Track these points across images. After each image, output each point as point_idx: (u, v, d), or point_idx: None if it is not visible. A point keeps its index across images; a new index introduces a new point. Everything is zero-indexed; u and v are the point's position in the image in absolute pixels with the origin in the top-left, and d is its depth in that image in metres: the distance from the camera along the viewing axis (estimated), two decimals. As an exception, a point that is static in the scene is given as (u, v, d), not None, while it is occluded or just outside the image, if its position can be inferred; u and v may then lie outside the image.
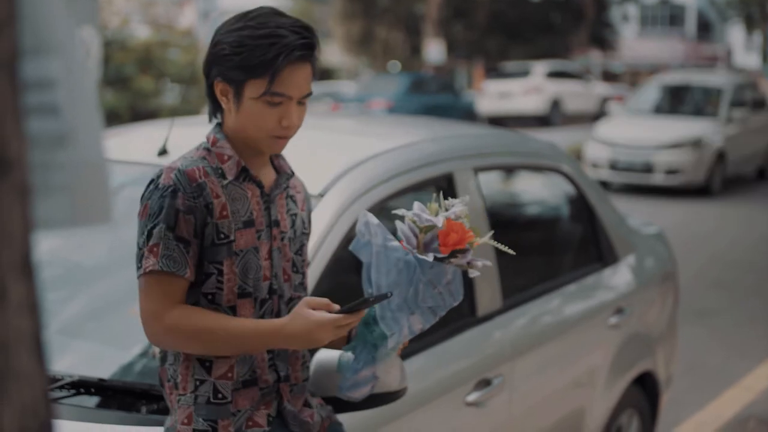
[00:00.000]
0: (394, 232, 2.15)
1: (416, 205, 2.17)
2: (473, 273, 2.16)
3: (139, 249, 2.08)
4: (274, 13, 2.13)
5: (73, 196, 0.93)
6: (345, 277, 2.73)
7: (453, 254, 2.12)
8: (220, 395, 2.13)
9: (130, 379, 2.61)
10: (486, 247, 3.06)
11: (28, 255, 0.87)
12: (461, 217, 2.15)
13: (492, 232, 2.35)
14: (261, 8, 2.15)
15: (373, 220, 2.12)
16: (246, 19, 2.12)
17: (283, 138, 2.14)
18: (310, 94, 2.15)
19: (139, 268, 2.07)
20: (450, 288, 2.15)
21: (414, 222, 2.13)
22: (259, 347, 2.11)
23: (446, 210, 2.17)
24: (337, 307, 2.06)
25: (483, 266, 2.16)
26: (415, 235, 2.12)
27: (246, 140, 2.15)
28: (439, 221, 2.11)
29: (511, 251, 2.28)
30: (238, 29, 2.10)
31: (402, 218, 2.15)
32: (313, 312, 2.03)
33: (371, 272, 2.10)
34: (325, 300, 2.08)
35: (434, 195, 2.21)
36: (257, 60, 2.06)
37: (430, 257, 2.09)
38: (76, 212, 0.94)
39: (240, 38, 2.08)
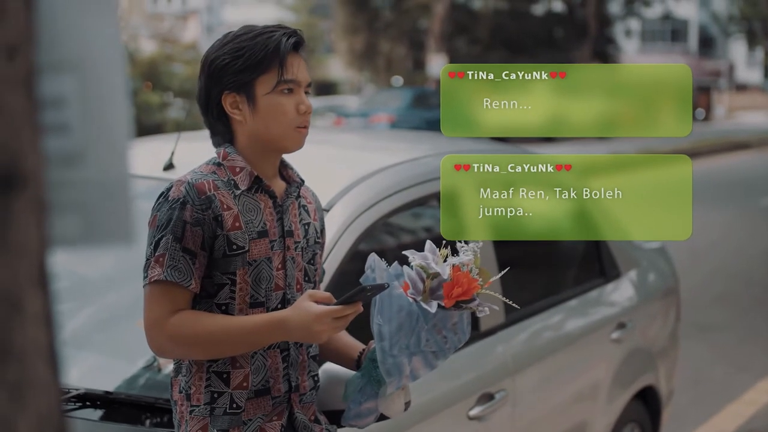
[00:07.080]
0: (401, 260, 2.15)
1: (428, 245, 2.17)
2: (482, 313, 2.16)
3: (147, 259, 2.11)
4: (254, 26, 2.23)
5: (87, 214, 0.95)
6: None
7: (458, 304, 2.13)
8: (235, 405, 2.15)
9: (135, 392, 2.63)
10: (489, 260, 3.08)
11: (43, 268, 0.89)
12: (469, 266, 2.14)
13: (498, 275, 2.36)
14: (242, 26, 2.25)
15: (381, 264, 2.14)
16: (232, 34, 2.21)
17: (303, 127, 2.19)
18: (310, 84, 2.23)
19: (145, 277, 2.10)
20: (456, 329, 2.15)
21: (422, 268, 2.13)
22: (263, 342, 2.12)
23: (455, 255, 2.17)
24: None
25: (490, 309, 2.17)
26: (422, 280, 2.12)
27: (269, 141, 2.18)
28: (446, 272, 2.11)
29: (516, 306, 2.31)
30: (230, 41, 2.18)
31: (410, 254, 2.16)
32: (313, 304, 2.03)
33: (375, 313, 2.11)
34: (328, 294, 2.09)
35: (444, 241, 2.21)
36: (261, 55, 2.13)
37: (433, 307, 2.08)
38: (92, 231, 0.95)
39: (236, 44, 2.16)
